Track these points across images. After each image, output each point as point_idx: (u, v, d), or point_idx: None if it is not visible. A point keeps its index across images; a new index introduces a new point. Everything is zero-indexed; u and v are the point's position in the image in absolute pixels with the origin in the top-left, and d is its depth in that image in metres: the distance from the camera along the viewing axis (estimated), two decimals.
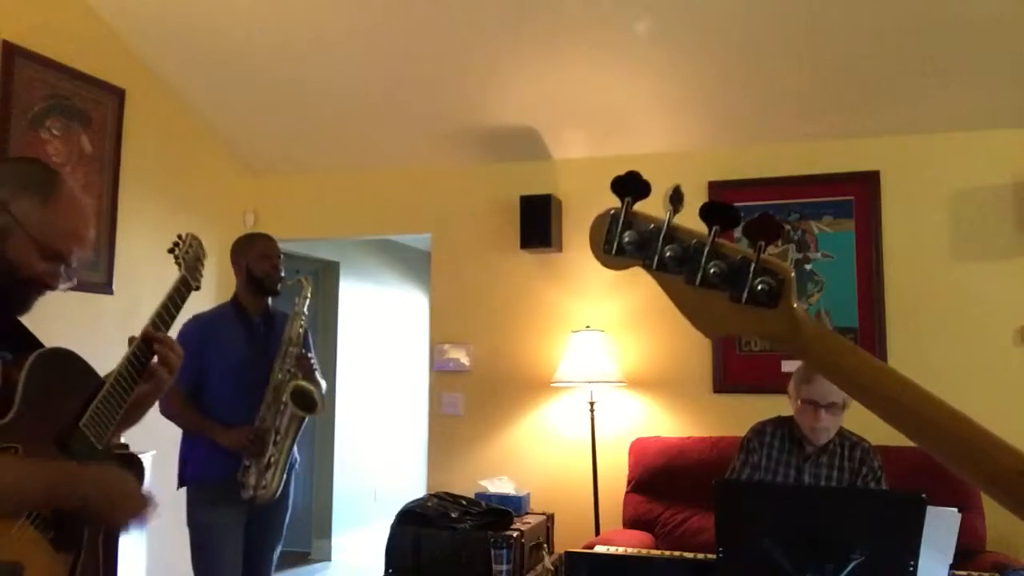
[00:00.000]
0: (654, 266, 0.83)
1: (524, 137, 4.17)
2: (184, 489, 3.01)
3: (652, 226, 0.84)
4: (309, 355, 3.06)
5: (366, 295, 6.51)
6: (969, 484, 3.22)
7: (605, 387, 3.93)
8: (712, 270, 0.80)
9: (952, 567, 1.92)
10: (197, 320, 3.06)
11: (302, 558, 5.83)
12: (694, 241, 0.82)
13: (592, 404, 3.91)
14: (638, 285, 4.06)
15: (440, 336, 4.41)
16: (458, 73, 3.85)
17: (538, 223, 4.10)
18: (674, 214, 0.83)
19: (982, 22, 3.18)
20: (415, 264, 7.22)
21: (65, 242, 1.45)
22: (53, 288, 1.47)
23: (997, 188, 3.65)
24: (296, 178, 4.75)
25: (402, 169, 4.55)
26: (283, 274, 3.12)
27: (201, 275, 1.75)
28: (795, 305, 0.79)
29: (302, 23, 3.63)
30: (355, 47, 3.76)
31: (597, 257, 0.87)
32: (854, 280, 3.79)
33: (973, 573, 2.30)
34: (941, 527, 1.85)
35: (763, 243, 0.78)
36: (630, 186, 0.83)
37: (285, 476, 3.00)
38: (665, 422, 3.98)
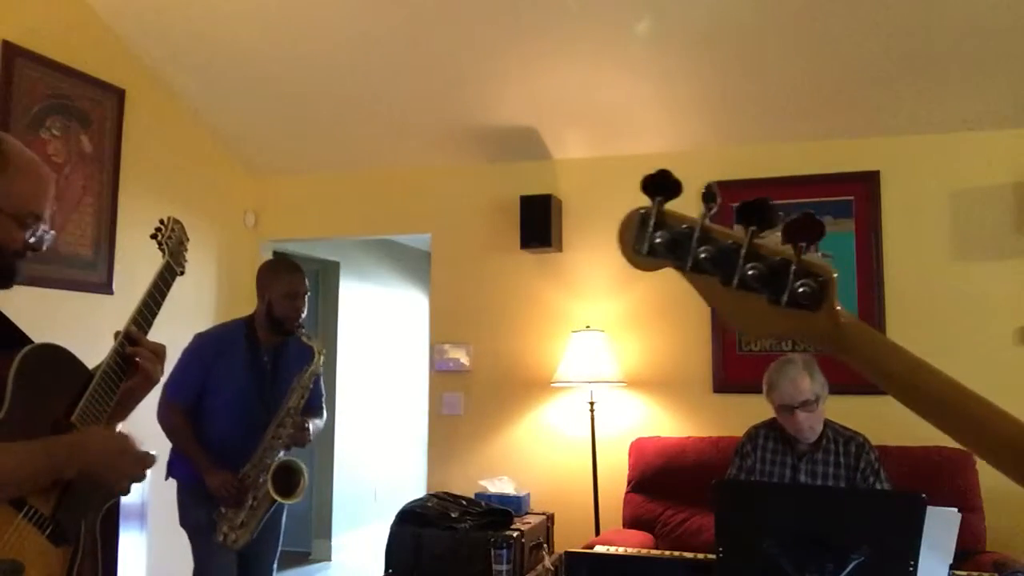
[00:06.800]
0: (688, 267, 0.80)
1: (524, 137, 4.17)
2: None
3: (685, 226, 0.80)
4: (306, 424, 2.94)
5: (366, 295, 6.52)
6: (975, 486, 3.20)
7: (605, 387, 3.93)
8: (750, 272, 0.77)
9: (952, 567, 1.92)
10: (205, 338, 3.02)
11: (302, 558, 5.83)
12: (730, 242, 0.79)
13: (592, 404, 3.90)
14: (638, 285, 4.06)
15: (440, 336, 4.41)
16: (458, 73, 3.85)
17: (538, 223, 4.10)
18: (708, 214, 0.80)
19: (983, 23, 3.18)
20: (415, 264, 7.22)
21: (37, 203, 1.42)
22: (39, 250, 1.44)
23: (997, 188, 3.65)
24: (296, 178, 4.75)
25: (402, 169, 4.55)
26: (305, 314, 2.98)
27: (185, 259, 1.70)
28: (838, 307, 0.77)
29: (302, 23, 3.63)
30: (355, 47, 3.76)
31: (627, 257, 0.83)
32: (854, 280, 3.79)
33: (973, 573, 2.30)
34: (941, 527, 1.85)
35: (804, 244, 0.76)
36: (661, 185, 0.80)
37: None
38: (665, 422, 3.98)
